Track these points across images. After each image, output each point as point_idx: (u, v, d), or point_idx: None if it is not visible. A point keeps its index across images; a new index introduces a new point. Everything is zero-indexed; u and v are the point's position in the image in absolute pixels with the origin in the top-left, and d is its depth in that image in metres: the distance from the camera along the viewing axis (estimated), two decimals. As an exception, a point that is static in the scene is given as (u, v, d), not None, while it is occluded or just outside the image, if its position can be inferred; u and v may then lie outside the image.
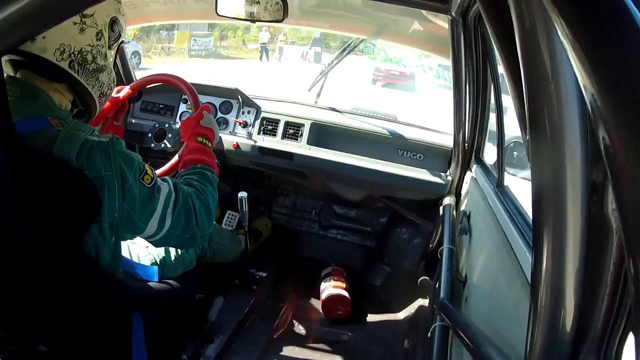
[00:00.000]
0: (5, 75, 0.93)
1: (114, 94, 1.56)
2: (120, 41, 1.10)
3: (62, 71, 0.96)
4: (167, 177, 1.09)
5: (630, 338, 0.45)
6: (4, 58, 0.94)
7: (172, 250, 1.37)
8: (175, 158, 1.57)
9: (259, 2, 1.42)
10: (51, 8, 0.70)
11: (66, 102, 1.01)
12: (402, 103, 8.21)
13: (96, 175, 0.91)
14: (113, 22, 1.04)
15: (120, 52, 1.17)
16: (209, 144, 1.32)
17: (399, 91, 10.34)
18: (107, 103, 1.47)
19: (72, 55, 0.96)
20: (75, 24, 0.95)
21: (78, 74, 0.98)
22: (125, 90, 1.62)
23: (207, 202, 1.13)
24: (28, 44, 0.91)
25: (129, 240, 1.32)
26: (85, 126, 0.96)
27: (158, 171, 1.51)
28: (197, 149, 1.28)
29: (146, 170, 1.01)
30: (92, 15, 0.98)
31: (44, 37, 0.91)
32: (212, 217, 1.14)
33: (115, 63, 1.86)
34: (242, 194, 1.76)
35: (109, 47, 1.05)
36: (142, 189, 0.98)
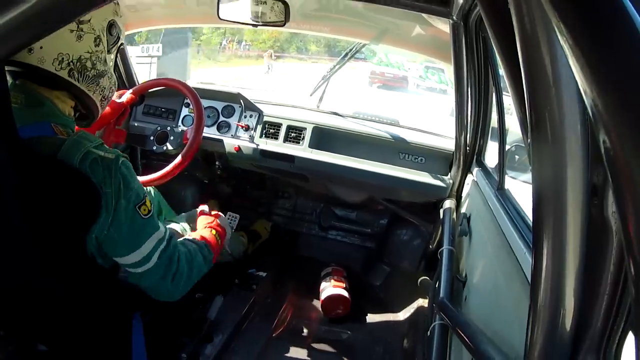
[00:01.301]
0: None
1: (116, 99, 1.57)
2: (119, 44, 1.09)
3: (62, 80, 0.95)
4: (166, 226, 1.07)
5: (630, 338, 0.45)
6: None
7: None
8: (178, 159, 1.58)
9: (262, 4, 1.43)
10: (51, 13, 0.69)
11: (69, 109, 1.02)
12: (396, 102, 8.89)
13: (97, 186, 0.91)
14: (111, 26, 1.03)
15: (122, 55, 1.17)
16: (220, 242, 1.31)
17: (393, 92, 10.98)
18: (108, 108, 1.48)
19: (71, 63, 0.95)
20: (72, 31, 0.94)
21: (78, 82, 0.98)
22: (127, 95, 1.63)
23: (192, 266, 1.11)
24: (25, 55, 0.90)
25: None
26: (92, 137, 0.96)
27: (158, 173, 1.52)
28: (208, 236, 1.28)
29: (145, 202, 0.99)
30: (89, 21, 0.97)
31: (41, 47, 0.91)
32: (190, 282, 1.11)
33: (116, 66, 1.88)
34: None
35: (109, 52, 1.05)
36: (136, 218, 0.96)
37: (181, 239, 1.19)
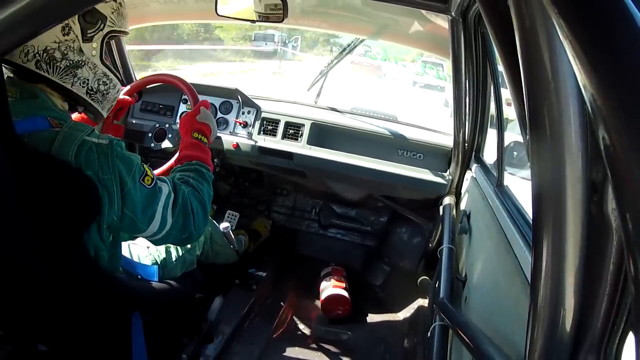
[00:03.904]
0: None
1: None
2: (106, 31, 1.01)
3: (32, 72, 0.92)
4: (165, 177, 1.08)
5: (630, 337, 0.45)
6: None
7: (174, 251, 1.37)
8: (176, 156, 1.57)
9: (259, 2, 1.42)
10: (50, 9, 0.69)
11: (61, 102, 0.99)
12: (372, 85, 11.41)
13: (94, 177, 0.90)
14: (85, 12, 0.97)
15: (119, 50, 1.13)
16: (205, 140, 1.30)
17: (371, 77, 13.31)
18: None
19: (37, 55, 0.92)
20: None
21: (49, 74, 0.94)
22: (126, 89, 1.62)
23: (203, 201, 1.13)
24: None
25: (129, 240, 1.33)
26: (84, 126, 0.94)
27: (156, 171, 1.51)
28: (192, 144, 1.27)
29: (146, 171, 0.99)
30: None
31: None
32: (207, 214, 1.15)
33: (113, 58, 1.86)
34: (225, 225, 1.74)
35: (86, 40, 0.98)
36: (143, 190, 0.97)
37: (177, 174, 1.18)
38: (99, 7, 0.99)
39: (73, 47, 0.96)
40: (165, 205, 1.02)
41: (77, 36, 0.96)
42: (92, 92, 1.02)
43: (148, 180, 0.99)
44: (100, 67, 1.02)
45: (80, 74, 0.98)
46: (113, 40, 1.78)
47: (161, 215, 1.01)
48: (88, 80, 1.00)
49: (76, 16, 0.95)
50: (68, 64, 0.96)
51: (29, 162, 0.87)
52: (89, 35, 0.98)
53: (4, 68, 0.89)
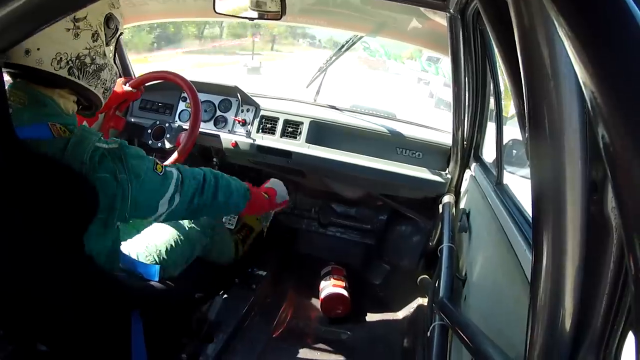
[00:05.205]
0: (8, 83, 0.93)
1: (121, 84, 1.57)
2: (118, 35, 1.09)
3: (62, 79, 0.95)
4: (173, 165, 1.15)
5: (630, 337, 0.44)
6: None
7: (174, 251, 1.37)
8: (175, 155, 1.57)
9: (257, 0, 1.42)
10: (45, 8, 0.69)
11: (71, 104, 1.02)
12: (376, 78, 11.98)
13: (109, 177, 0.93)
14: (108, 19, 1.02)
15: (118, 46, 1.15)
16: (266, 196, 1.48)
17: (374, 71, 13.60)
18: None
19: (70, 62, 0.95)
20: (68, 30, 0.93)
21: (79, 79, 0.98)
22: (132, 81, 1.64)
23: (219, 181, 1.23)
24: (23, 58, 0.90)
25: (129, 240, 1.33)
26: (93, 131, 0.97)
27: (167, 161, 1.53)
28: (258, 194, 1.43)
29: (155, 161, 1.06)
30: (85, 17, 0.96)
31: (38, 49, 0.90)
32: (216, 195, 1.21)
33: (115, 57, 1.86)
34: None
35: (107, 44, 1.04)
36: (156, 178, 1.04)
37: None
38: (113, 11, 1.05)
39: (99, 52, 1.01)
40: (176, 185, 1.10)
41: (103, 41, 1.02)
42: (106, 91, 1.07)
43: (159, 167, 1.06)
44: (114, 68, 1.09)
45: (102, 75, 1.04)
46: None
47: (171, 194, 1.08)
48: (107, 80, 1.06)
49: (102, 23, 1.01)
50: (95, 68, 1.01)
51: (29, 165, 0.87)
52: (109, 39, 1.05)
53: (4, 74, 0.90)
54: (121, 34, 1.12)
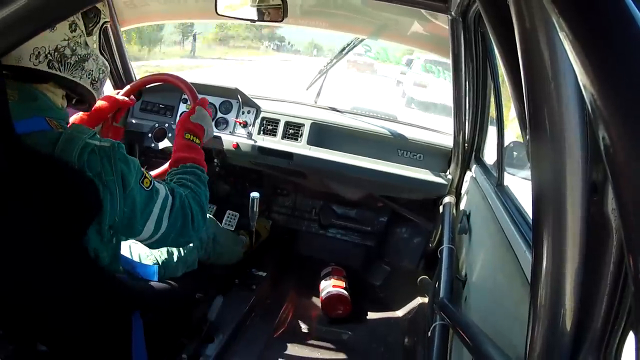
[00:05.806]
0: None
1: (114, 95, 1.56)
2: (101, 23, 1.06)
3: (44, 73, 0.94)
4: (162, 181, 1.09)
5: (631, 337, 0.45)
6: None
7: (175, 252, 1.37)
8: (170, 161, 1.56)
9: (259, 2, 1.42)
10: (47, 10, 0.69)
11: (60, 100, 1.01)
12: (364, 80, 13.19)
13: (96, 179, 0.90)
14: None
15: (119, 49, 1.15)
16: (197, 141, 1.30)
17: (361, 74, 14.97)
18: (106, 103, 1.47)
19: (49, 55, 0.94)
20: None
21: (60, 71, 0.96)
22: (126, 89, 1.62)
23: (202, 203, 1.14)
24: (4, 57, 0.88)
25: (130, 240, 1.33)
26: (86, 129, 0.95)
27: (152, 173, 1.51)
28: (184, 145, 1.27)
29: (144, 174, 1.02)
30: None
31: None
32: (205, 216, 1.16)
33: (114, 62, 1.87)
34: (255, 194, 1.79)
35: (89, 34, 1.02)
36: (142, 192, 0.99)
37: (174, 177, 1.19)
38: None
39: (80, 42, 0.99)
40: (162, 207, 1.03)
41: (82, 31, 1.00)
42: (94, 82, 1.05)
43: (147, 182, 1.01)
44: (100, 58, 1.06)
45: (86, 66, 1.01)
46: (113, 39, 1.79)
47: (156, 216, 1.02)
48: (92, 71, 1.03)
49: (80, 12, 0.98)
50: (77, 59, 0.99)
51: (29, 162, 0.87)
52: (89, 28, 1.02)
53: None
54: (105, 22, 1.08)
